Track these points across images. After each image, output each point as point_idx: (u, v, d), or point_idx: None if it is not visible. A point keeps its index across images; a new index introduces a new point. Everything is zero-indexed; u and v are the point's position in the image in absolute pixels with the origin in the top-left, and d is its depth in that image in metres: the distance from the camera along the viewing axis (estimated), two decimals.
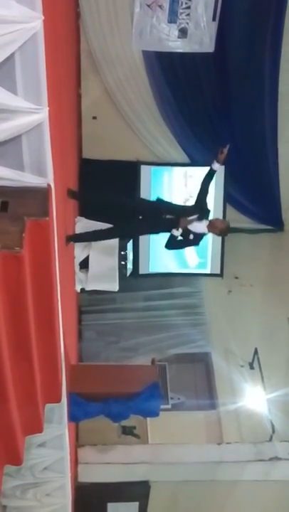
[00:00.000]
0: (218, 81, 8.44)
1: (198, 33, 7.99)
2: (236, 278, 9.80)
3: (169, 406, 8.19)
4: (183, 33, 8.00)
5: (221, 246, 9.34)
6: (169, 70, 8.36)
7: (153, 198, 7.54)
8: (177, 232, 5.98)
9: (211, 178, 6.23)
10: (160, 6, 7.80)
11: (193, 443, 8.25)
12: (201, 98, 8.62)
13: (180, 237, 6.05)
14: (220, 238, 9.25)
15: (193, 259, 9.47)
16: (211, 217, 6.28)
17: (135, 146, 9.14)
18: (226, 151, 6.11)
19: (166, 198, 7.73)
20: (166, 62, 8.27)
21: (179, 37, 8.03)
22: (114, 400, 6.24)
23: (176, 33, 8.00)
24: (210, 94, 8.59)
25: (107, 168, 9.15)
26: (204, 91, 8.56)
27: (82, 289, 7.68)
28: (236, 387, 8.61)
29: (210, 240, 9.28)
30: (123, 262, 8.13)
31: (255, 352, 8.69)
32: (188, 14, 7.87)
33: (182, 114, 8.79)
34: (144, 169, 9.20)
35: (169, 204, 6.67)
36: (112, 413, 6.38)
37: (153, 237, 9.21)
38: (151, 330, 9.24)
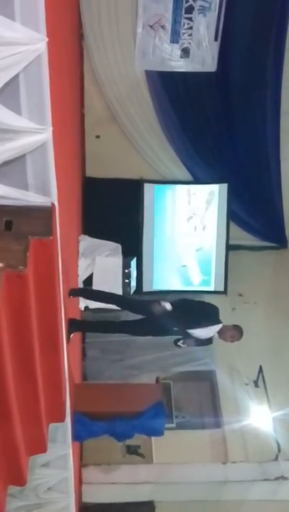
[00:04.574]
0: (220, 100, 8.51)
1: (200, 53, 8.08)
2: (240, 295, 9.77)
3: (174, 425, 8.14)
4: (185, 52, 8.08)
5: (225, 263, 9.34)
6: (171, 90, 8.43)
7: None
8: (183, 345, 5.98)
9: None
10: (162, 27, 7.89)
11: (199, 462, 8.17)
12: (203, 117, 8.68)
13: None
14: (223, 255, 9.27)
15: (197, 277, 9.46)
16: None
17: (138, 165, 9.19)
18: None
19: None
20: (168, 82, 8.35)
21: (181, 57, 8.12)
22: (118, 419, 6.20)
23: (179, 52, 8.09)
24: (212, 112, 8.65)
25: (110, 186, 9.19)
26: (207, 110, 8.62)
27: (86, 307, 7.67)
28: (241, 405, 8.53)
29: (214, 258, 9.29)
30: (127, 280, 8.13)
31: (260, 370, 8.64)
32: (190, 34, 7.96)
33: (185, 133, 8.85)
34: (148, 187, 9.23)
35: (176, 314, 6.08)
36: (116, 432, 6.34)
37: (157, 254, 9.25)
38: (156, 348, 9.19)
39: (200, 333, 5.85)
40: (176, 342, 6.07)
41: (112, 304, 6.58)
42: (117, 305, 6.56)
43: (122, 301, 6.75)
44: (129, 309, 6.45)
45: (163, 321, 5.84)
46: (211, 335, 5.89)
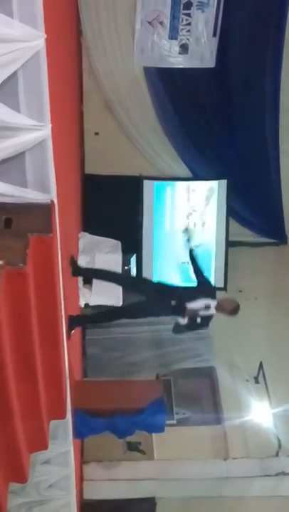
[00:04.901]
0: (219, 96, 8.50)
1: (199, 49, 8.07)
2: (240, 292, 9.75)
3: (175, 421, 8.14)
4: (184, 49, 8.07)
5: (225, 260, 9.34)
6: (170, 86, 8.42)
7: (155, 280, 7.50)
8: (183, 321, 5.78)
9: (195, 258, 6.16)
10: (161, 23, 7.88)
11: (199, 458, 8.18)
12: (202, 113, 8.67)
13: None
14: (223, 252, 9.27)
15: None
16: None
17: (138, 161, 9.18)
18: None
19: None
20: (167, 78, 8.34)
21: (180, 53, 8.11)
22: (119, 416, 6.20)
23: (177, 49, 8.08)
24: (211, 109, 8.64)
25: (109, 183, 9.19)
26: (206, 106, 8.62)
27: (86, 304, 7.66)
28: (242, 401, 8.54)
29: (213, 254, 9.28)
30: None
31: (261, 366, 8.65)
32: (188, 30, 7.94)
33: (184, 129, 8.84)
34: (147, 184, 9.23)
35: (172, 288, 6.29)
36: (117, 429, 6.34)
37: (156, 251, 9.25)
38: (156, 345, 9.20)
39: (197, 306, 5.80)
40: (175, 327, 6.00)
41: (112, 281, 6.63)
42: (117, 282, 6.66)
43: (121, 278, 6.79)
44: (129, 284, 6.60)
45: (161, 296, 5.91)
46: (208, 312, 5.84)
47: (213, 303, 5.83)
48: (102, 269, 6.89)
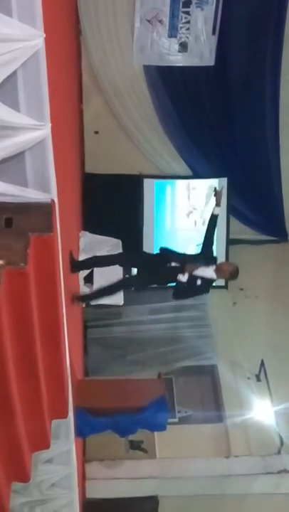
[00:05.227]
0: (219, 94, 8.50)
1: (198, 47, 8.06)
2: (241, 290, 9.77)
3: (176, 419, 8.15)
4: (183, 47, 8.07)
5: (225, 258, 9.33)
6: (170, 84, 8.42)
7: (156, 249, 7.46)
8: (183, 278, 5.73)
9: (215, 224, 6.07)
10: (160, 21, 7.87)
11: (201, 456, 8.18)
12: (202, 111, 8.67)
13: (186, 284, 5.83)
14: (224, 250, 9.26)
15: None
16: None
17: (138, 160, 9.18)
18: (220, 192, 6.07)
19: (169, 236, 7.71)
20: (167, 77, 8.33)
21: (179, 51, 8.10)
22: (121, 415, 6.21)
23: (177, 47, 8.08)
24: (211, 107, 8.64)
25: (110, 182, 9.18)
26: (205, 104, 8.61)
27: (87, 303, 7.66)
28: (243, 399, 8.55)
29: (214, 252, 9.27)
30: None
31: (262, 364, 8.65)
32: (188, 28, 7.94)
33: (184, 127, 8.84)
34: (147, 182, 9.23)
35: (173, 253, 6.34)
36: (119, 428, 6.35)
37: (157, 250, 9.23)
38: (157, 343, 9.21)
39: (202, 271, 5.82)
40: (175, 291, 5.97)
41: (112, 263, 6.62)
42: (117, 262, 6.64)
43: (119, 257, 6.74)
44: (129, 260, 6.62)
45: (163, 262, 6.00)
46: (208, 273, 5.84)
47: (213, 267, 5.87)
48: (97, 255, 6.87)
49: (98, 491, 7.80)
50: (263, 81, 8.25)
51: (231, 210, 9.37)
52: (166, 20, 7.90)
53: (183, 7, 7.80)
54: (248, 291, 9.78)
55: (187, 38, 8.03)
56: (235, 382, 8.73)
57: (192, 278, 5.77)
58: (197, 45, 8.06)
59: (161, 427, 6.46)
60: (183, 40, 8.05)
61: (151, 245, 9.25)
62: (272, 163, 9.09)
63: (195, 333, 9.34)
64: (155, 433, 7.69)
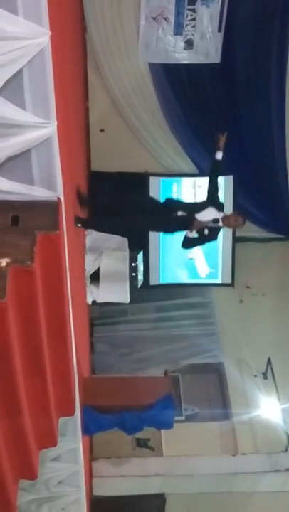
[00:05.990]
0: (225, 91, 8.47)
1: (204, 44, 8.04)
2: (247, 287, 9.76)
3: (183, 417, 8.15)
4: (189, 44, 8.04)
5: (232, 255, 9.32)
6: (175, 82, 8.39)
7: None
8: (191, 234, 5.89)
9: (218, 170, 6.21)
10: (165, 19, 7.86)
11: (208, 454, 8.19)
12: (208, 108, 8.64)
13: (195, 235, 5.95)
14: (230, 248, 9.24)
15: (204, 269, 9.45)
16: None
17: (144, 158, 9.16)
18: (223, 137, 6.10)
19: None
20: (172, 74, 8.31)
21: (185, 48, 8.08)
22: (127, 413, 6.22)
23: (182, 44, 8.05)
24: (217, 104, 8.61)
25: (116, 180, 9.18)
26: (211, 101, 8.58)
27: (94, 302, 7.68)
28: (250, 397, 8.55)
29: (220, 250, 9.26)
30: (134, 274, 8.13)
31: (269, 361, 8.63)
32: (193, 26, 7.92)
33: (190, 125, 8.82)
34: (153, 180, 9.20)
35: (179, 202, 6.53)
36: (126, 426, 6.36)
37: (163, 248, 9.23)
38: (164, 341, 9.21)
39: (206, 217, 5.91)
40: (184, 241, 6.06)
41: (123, 228, 6.72)
42: (130, 227, 6.74)
43: (132, 220, 6.58)
44: (138, 210, 6.52)
45: (170, 210, 6.07)
46: (216, 217, 5.94)
47: (220, 215, 5.96)
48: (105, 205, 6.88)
49: (105, 488, 7.82)
50: (268, 78, 8.21)
51: (238, 208, 9.34)
52: (172, 18, 7.88)
53: (188, 4, 7.77)
54: (254, 289, 9.77)
55: (193, 35, 8.01)
56: (242, 380, 8.73)
57: (200, 228, 5.91)
58: (203, 42, 8.03)
59: (168, 425, 6.47)
60: (188, 37, 8.03)
61: (157, 244, 9.26)
62: (278, 160, 9.06)
63: (201, 331, 9.33)
64: (162, 431, 7.70)
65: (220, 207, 6.06)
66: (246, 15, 7.85)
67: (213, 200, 6.07)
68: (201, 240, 6.16)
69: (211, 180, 6.17)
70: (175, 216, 6.03)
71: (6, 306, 2.93)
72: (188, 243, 6.09)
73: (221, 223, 5.97)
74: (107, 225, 6.68)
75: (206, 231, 5.93)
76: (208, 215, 5.94)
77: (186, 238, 5.97)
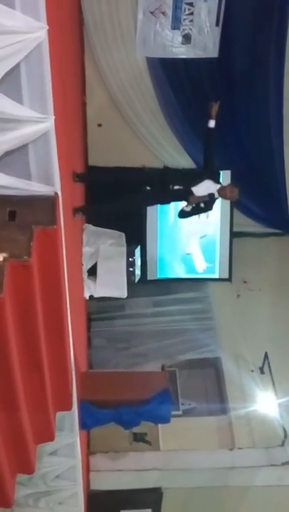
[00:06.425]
0: (223, 86, 8.45)
1: (201, 39, 8.01)
2: (245, 282, 9.77)
3: (180, 412, 8.16)
4: (186, 39, 8.02)
5: (229, 250, 9.34)
6: (173, 76, 8.37)
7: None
8: (187, 208, 6.14)
9: (212, 138, 6.40)
10: (163, 13, 7.83)
11: (205, 449, 8.21)
12: (206, 103, 8.61)
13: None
14: (227, 242, 9.25)
15: (202, 264, 9.46)
16: None
17: (141, 153, 9.14)
18: (216, 105, 6.35)
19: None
20: (170, 69, 8.29)
21: (182, 43, 8.06)
22: (125, 407, 6.23)
23: (180, 39, 8.03)
24: (215, 99, 8.55)
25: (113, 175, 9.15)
26: (209, 96, 8.53)
27: (91, 296, 7.68)
28: (247, 392, 8.56)
29: (218, 245, 9.27)
30: (131, 269, 8.14)
31: (266, 356, 8.65)
32: (191, 20, 7.89)
33: (187, 120, 8.80)
34: None
35: (177, 172, 6.70)
36: (123, 420, 6.37)
37: (161, 243, 9.24)
38: (161, 336, 9.22)
39: (202, 190, 6.13)
40: (180, 212, 6.34)
41: (121, 208, 6.83)
42: (127, 207, 6.96)
43: (129, 199, 6.78)
44: (136, 180, 6.77)
45: (166, 182, 6.28)
46: (212, 191, 6.17)
47: (216, 187, 6.18)
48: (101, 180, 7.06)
49: (102, 482, 7.84)
50: (266, 73, 8.19)
51: (235, 203, 9.33)
52: (170, 12, 7.85)
53: None
54: (251, 284, 9.78)
55: (190, 29, 7.99)
56: (239, 375, 8.74)
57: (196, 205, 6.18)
58: (200, 36, 8.01)
59: (165, 419, 6.48)
60: (186, 32, 8.01)
61: (155, 238, 9.26)
62: (276, 155, 9.05)
63: (199, 325, 9.34)
64: (159, 425, 7.71)
65: (216, 177, 6.30)
66: (244, 9, 7.82)
67: (209, 168, 6.31)
68: (196, 211, 6.41)
69: (205, 148, 6.42)
70: (172, 189, 6.26)
71: (4, 300, 2.93)
72: (184, 214, 6.36)
73: (216, 195, 6.21)
74: (107, 207, 6.85)
75: (202, 204, 6.22)
76: (204, 188, 6.15)
77: (182, 210, 6.27)
